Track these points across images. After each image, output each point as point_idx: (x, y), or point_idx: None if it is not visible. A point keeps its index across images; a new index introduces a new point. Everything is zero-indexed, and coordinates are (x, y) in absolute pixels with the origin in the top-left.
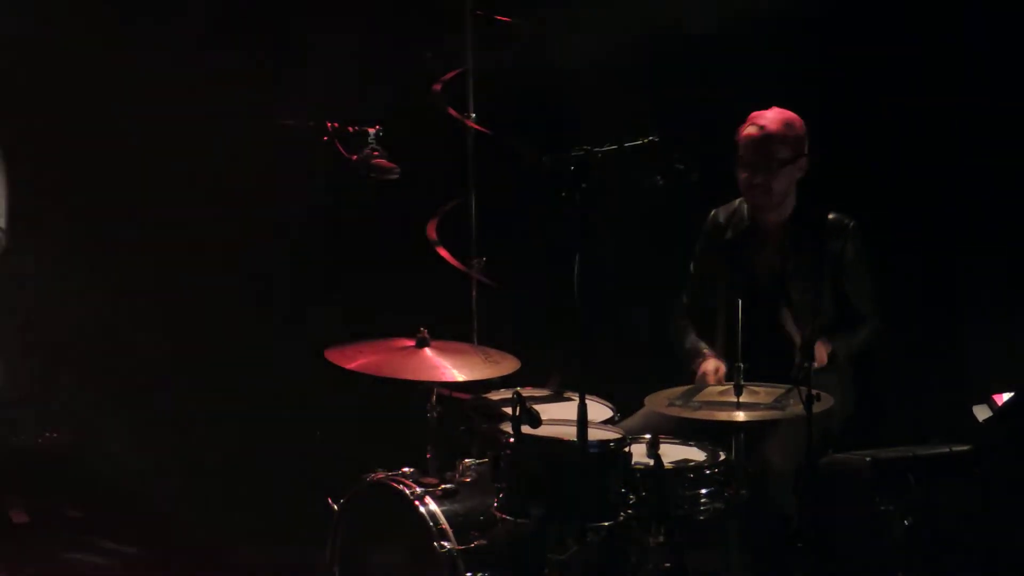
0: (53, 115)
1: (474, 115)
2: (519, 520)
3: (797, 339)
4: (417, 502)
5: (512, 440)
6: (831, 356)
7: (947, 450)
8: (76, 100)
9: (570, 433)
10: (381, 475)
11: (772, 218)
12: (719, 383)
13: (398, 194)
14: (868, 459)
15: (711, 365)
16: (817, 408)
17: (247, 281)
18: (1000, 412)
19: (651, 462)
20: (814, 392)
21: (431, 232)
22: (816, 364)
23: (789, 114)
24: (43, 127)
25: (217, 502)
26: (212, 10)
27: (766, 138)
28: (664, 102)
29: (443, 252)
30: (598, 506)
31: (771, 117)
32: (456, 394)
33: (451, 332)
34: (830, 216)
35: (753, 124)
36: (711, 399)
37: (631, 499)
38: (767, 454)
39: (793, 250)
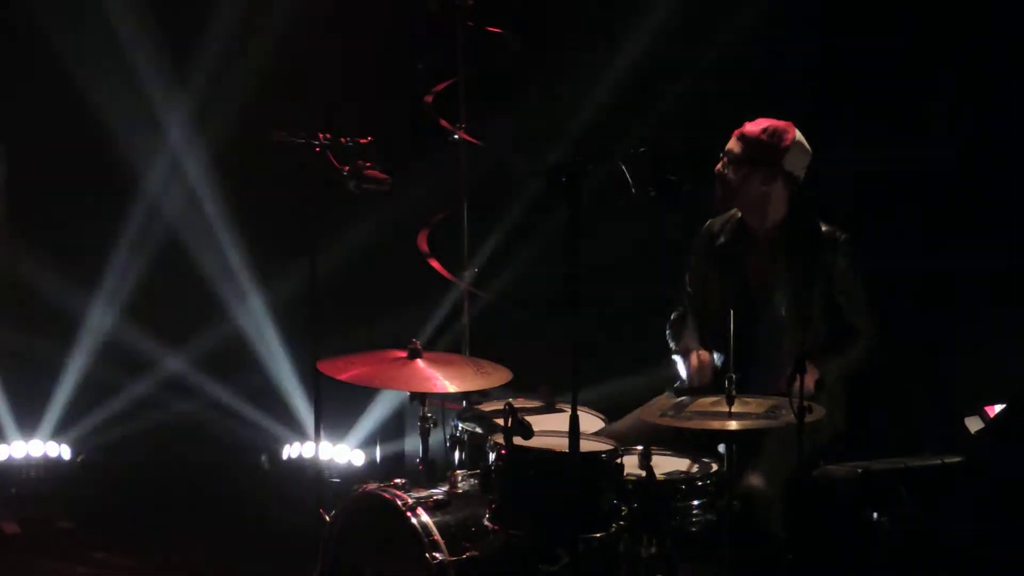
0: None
1: (465, 126)
2: (511, 531)
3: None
4: (409, 513)
5: (504, 451)
6: (819, 384)
7: (939, 462)
8: (68, 110)
9: (562, 444)
10: (373, 486)
11: (765, 226)
12: (701, 378)
13: (390, 205)
14: (859, 470)
15: (694, 360)
16: (809, 419)
17: (241, 293)
18: (992, 424)
19: (643, 473)
20: (806, 404)
21: (422, 243)
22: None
23: (772, 124)
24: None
25: (207, 512)
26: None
27: (740, 136)
28: (657, 113)
29: (435, 264)
30: (590, 517)
31: (753, 122)
32: (448, 405)
33: (443, 343)
34: (822, 228)
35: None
36: (703, 409)
37: (623, 510)
38: (758, 466)
39: (783, 259)
